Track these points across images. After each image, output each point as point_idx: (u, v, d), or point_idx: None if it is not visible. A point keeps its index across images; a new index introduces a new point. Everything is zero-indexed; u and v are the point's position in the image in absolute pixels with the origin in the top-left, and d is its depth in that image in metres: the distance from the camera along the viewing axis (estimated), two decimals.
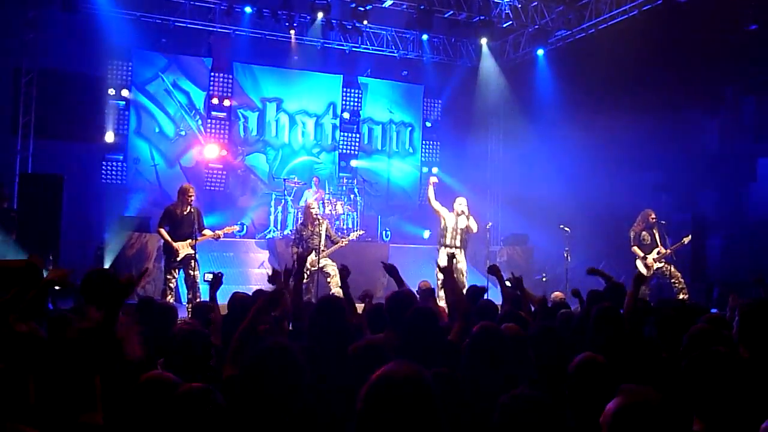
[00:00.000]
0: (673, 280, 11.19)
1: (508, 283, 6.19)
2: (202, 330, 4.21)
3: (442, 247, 11.00)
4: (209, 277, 5.85)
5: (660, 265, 11.33)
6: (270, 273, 5.76)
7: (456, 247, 10.88)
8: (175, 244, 9.64)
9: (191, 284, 9.53)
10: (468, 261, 11.64)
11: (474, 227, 11.16)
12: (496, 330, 3.84)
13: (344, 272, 6.07)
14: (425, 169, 17.09)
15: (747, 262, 11.66)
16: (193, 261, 9.65)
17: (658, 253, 11.41)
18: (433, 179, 11.48)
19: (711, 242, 12.36)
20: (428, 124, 17.21)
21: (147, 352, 3.64)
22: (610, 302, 5.01)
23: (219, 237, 10.23)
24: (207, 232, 10.03)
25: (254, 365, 2.93)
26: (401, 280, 6.01)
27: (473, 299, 6.23)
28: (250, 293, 5.79)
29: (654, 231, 11.63)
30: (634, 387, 2.45)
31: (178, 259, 9.61)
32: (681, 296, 10.70)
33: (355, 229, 13.78)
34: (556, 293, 8.16)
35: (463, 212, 11.04)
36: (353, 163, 16.42)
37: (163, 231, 9.73)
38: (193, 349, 3.86)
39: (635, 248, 11.54)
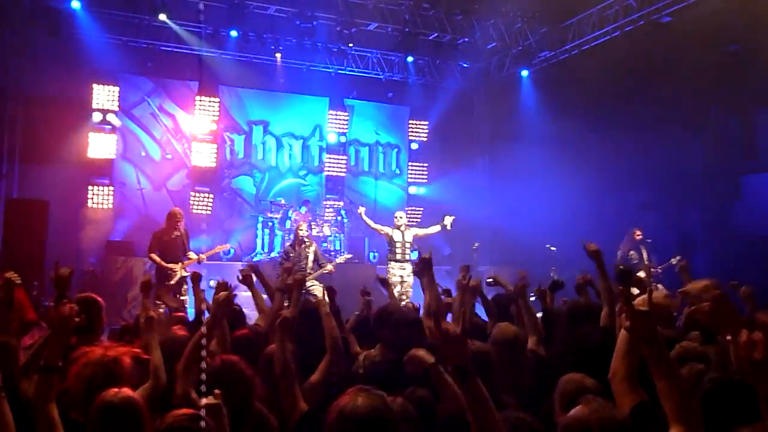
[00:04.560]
0: None
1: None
2: None
3: (392, 262, 11.50)
4: (214, 283, 5.84)
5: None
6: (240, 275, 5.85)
7: (405, 261, 11.43)
8: (170, 267, 9.70)
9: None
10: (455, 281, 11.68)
11: (429, 231, 11.87)
12: (482, 352, 3.83)
13: (331, 292, 6.11)
14: (412, 190, 17.16)
15: (731, 279, 11.71)
16: (184, 285, 9.68)
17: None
18: (361, 209, 12.03)
19: (697, 260, 12.42)
20: (414, 146, 17.24)
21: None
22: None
23: (202, 260, 10.24)
24: (192, 255, 10.05)
25: (209, 381, 3.08)
26: (393, 294, 6.08)
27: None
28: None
29: (641, 249, 11.72)
30: (591, 398, 2.45)
31: (172, 282, 9.63)
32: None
33: (343, 250, 13.79)
34: None
35: (402, 226, 11.59)
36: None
37: (155, 256, 9.78)
38: None
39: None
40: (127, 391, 3.01)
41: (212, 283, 5.98)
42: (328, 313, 4.30)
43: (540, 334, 4.88)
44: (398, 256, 11.47)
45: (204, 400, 2.64)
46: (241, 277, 6.06)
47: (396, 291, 10.75)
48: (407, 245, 11.50)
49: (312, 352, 4.28)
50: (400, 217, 11.76)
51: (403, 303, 10.31)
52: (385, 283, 6.49)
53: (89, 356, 3.39)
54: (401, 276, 11.31)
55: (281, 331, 3.79)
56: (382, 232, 11.73)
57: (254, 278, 6.18)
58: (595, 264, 5.13)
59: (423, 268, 5.11)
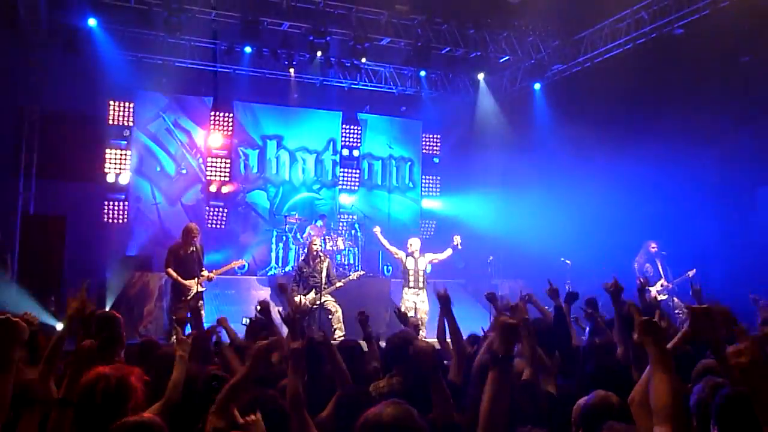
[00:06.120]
0: (677, 311, 11.19)
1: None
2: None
3: (405, 289, 11.44)
4: (246, 321, 5.82)
5: (664, 297, 11.35)
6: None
7: (419, 288, 11.37)
8: (186, 282, 9.75)
9: None
10: (470, 294, 11.75)
11: (443, 256, 11.71)
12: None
13: (363, 317, 5.95)
14: (425, 203, 17.16)
15: (748, 291, 11.62)
16: (200, 300, 9.74)
17: (662, 285, 11.44)
18: (377, 229, 11.97)
19: (713, 272, 12.35)
20: (436, 161, 17.27)
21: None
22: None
23: (212, 278, 10.29)
24: (204, 272, 10.11)
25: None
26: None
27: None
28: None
29: (657, 262, 11.67)
30: (615, 424, 2.45)
31: (188, 297, 9.69)
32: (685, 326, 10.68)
33: (357, 265, 13.79)
34: None
35: (416, 252, 11.48)
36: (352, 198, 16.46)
37: (171, 271, 9.86)
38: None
39: (640, 280, 11.56)
40: (147, 414, 2.97)
41: (245, 320, 5.87)
42: (335, 352, 4.23)
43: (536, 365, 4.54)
44: (411, 284, 11.39)
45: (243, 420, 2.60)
46: (259, 308, 5.78)
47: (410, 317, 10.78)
48: (420, 272, 11.41)
49: (321, 385, 4.28)
50: (413, 244, 11.63)
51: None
52: (405, 318, 6.31)
53: (88, 375, 3.24)
54: (415, 302, 11.25)
55: (294, 362, 3.76)
56: (396, 255, 11.70)
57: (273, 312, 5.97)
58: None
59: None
